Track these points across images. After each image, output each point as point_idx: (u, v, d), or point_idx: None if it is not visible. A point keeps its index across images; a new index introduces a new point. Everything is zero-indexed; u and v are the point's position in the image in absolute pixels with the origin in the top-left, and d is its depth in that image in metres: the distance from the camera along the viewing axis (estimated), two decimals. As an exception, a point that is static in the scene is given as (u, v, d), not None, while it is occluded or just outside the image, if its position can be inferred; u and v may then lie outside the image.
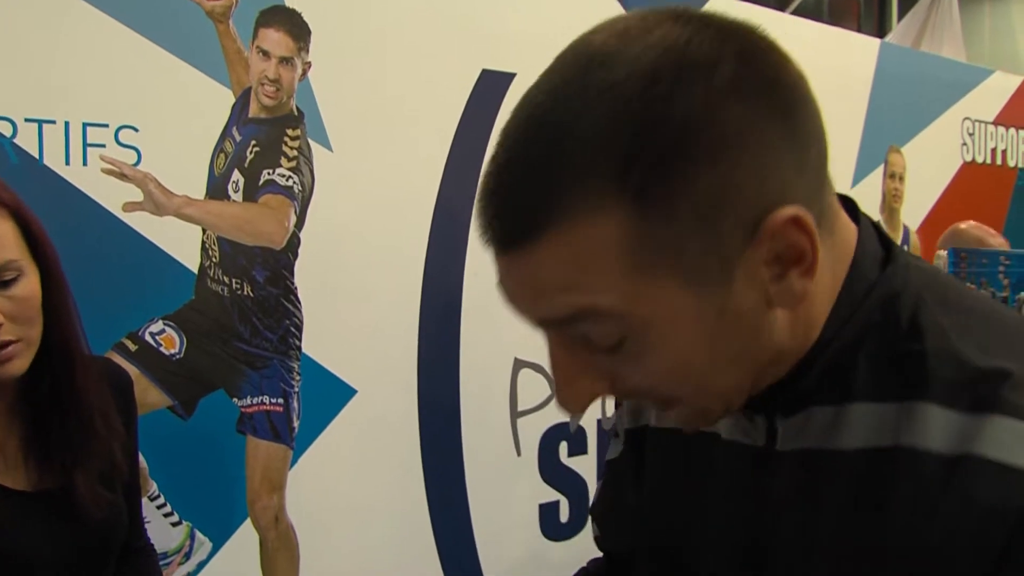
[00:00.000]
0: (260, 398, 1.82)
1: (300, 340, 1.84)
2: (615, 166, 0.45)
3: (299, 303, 1.84)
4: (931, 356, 0.51)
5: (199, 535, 1.80)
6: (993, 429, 0.48)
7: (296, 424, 1.84)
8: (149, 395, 1.71)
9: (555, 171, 0.45)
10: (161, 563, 1.68)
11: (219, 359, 1.77)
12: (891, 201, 3.13)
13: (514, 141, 0.48)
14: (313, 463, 1.85)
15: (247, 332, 1.78)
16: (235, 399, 1.80)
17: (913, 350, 0.51)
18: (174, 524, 1.77)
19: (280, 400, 1.83)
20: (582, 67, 0.47)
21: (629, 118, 0.45)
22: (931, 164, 3.30)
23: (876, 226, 0.57)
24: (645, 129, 0.45)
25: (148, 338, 1.68)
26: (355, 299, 1.91)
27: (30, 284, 1.01)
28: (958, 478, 0.48)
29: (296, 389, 1.84)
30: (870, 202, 3.03)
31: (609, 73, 0.46)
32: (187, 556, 1.78)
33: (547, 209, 0.46)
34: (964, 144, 3.48)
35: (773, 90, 0.48)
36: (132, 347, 1.66)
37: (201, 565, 1.80)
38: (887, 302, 0.53)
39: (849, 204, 0.57)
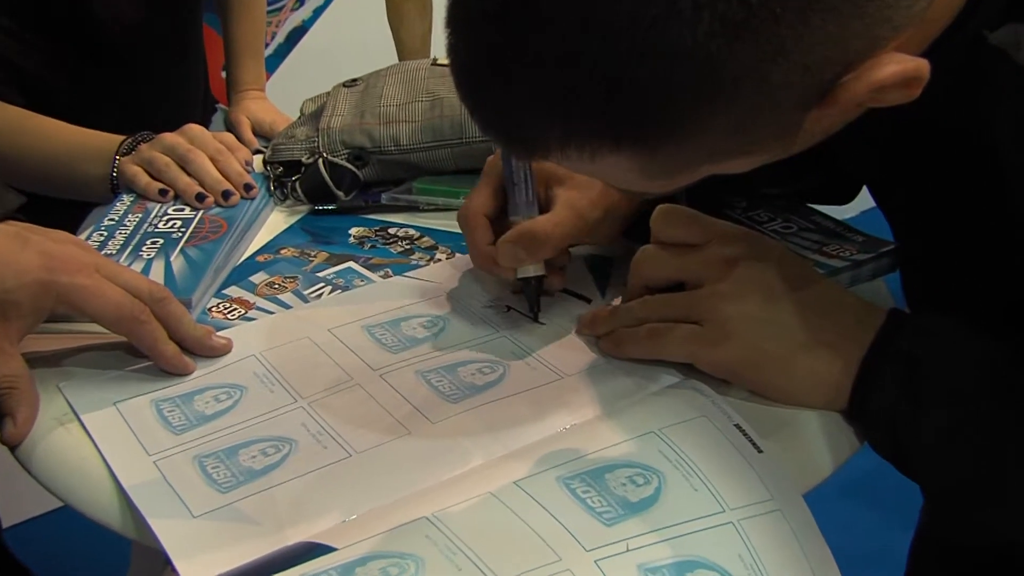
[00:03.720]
0: None
1: None
2: (602, 127, 0.39)
3: None
4: None
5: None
6: None
7: None
8: None
9: (545, 124, 0.39)
10: (270, 7, 1.60)
11: None
12: None
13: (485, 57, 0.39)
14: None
15: None
16: None
17: None
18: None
19: None
20: None
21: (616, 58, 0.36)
22: None
23: None
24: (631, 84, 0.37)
25: None
26: None
27: None
28: None
29: None
30: None
31: None
32: (300, 2, 1.70)
33: (549, 152, 0.41)
34: None
35: None
36: None
37: (317, 12, 1.70)
38: None
39: None
